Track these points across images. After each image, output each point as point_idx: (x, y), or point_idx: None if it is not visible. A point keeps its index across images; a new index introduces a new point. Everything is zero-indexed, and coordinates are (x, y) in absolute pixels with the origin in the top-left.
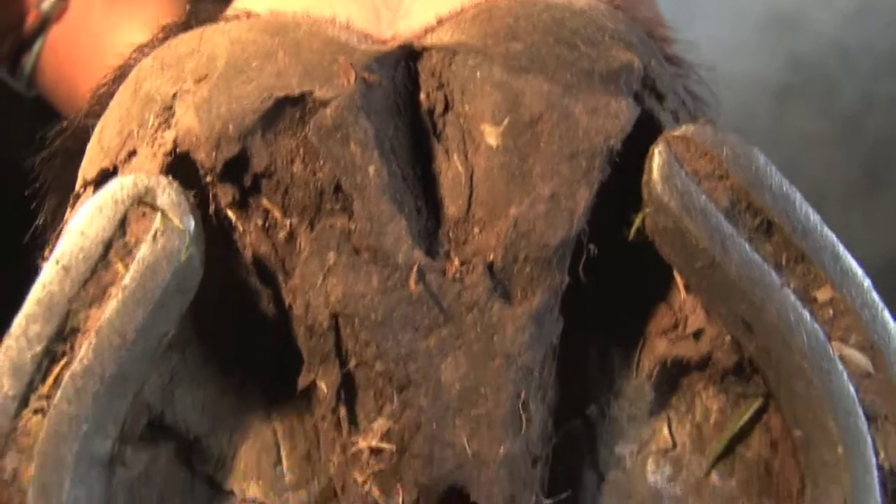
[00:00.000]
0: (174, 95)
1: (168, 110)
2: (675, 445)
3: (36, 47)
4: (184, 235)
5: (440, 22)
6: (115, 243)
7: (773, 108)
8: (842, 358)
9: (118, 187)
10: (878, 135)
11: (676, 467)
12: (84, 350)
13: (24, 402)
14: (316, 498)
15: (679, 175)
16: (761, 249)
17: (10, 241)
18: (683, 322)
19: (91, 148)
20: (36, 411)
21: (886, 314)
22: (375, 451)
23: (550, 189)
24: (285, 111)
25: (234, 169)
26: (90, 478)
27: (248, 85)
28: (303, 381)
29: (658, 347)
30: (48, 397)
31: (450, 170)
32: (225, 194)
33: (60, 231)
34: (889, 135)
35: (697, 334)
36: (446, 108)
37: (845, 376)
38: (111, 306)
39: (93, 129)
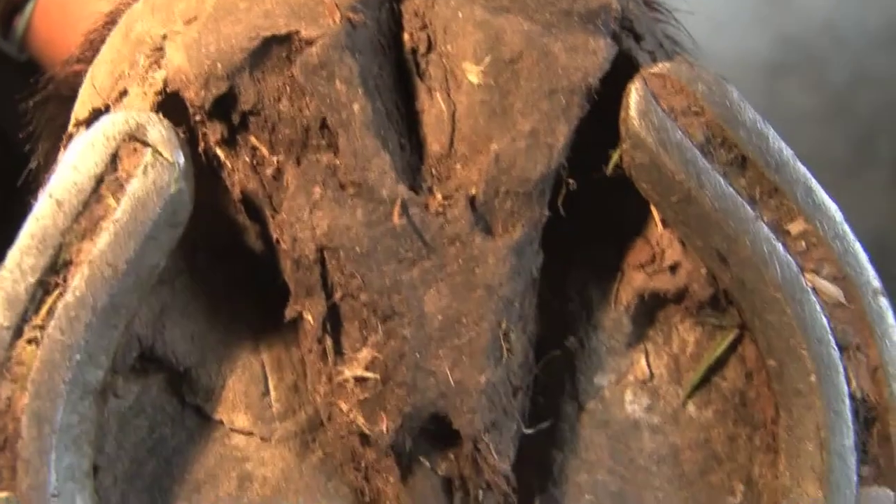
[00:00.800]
0: (164, 37)
1: (158, 51)
2: (652, 376)
3: (28, 9)
4: (173, 169)
5: None
6: (106, 178)
7: (764, 85)
8: (814, 289)
9: (109, 124)
10: (869, 111)
11: (654, 397)
12: (77, 281)
13: (18, 332)
14: (303, 427)
15: (655, 111)
16: (735, 183)
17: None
18: (660, 256)
19: (84, 90)
20: (29, 341)
21: (858, 246)
22: (360, 381)
23: (531, 125)
24: (272, 50)
25: (223, 107)
26: (83, 406)
27: (237, 25)
28: (289, 313)
29: (635, 280)
30: (42, 327)
31: (433, 107)
32: (214, 132)
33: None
34: (879, 111)
35: (674, 267)
36: (429, 48)
37: (818, 306)
38: (103, 239)
39: (84, 75)
